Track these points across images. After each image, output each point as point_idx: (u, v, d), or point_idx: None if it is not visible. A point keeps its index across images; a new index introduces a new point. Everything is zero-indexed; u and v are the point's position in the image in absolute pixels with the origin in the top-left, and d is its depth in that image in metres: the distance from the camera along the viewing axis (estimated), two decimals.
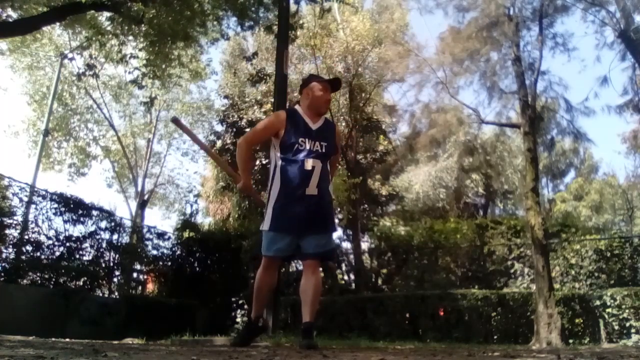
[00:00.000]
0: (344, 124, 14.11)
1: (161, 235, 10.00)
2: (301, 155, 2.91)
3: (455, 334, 8.55)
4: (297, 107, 3.21)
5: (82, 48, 9.54)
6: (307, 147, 2.93)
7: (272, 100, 8.85)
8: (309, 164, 2.89)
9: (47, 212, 7.74)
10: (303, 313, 2.89)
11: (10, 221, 7.16)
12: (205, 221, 16.52)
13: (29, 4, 8.27)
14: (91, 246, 8.40)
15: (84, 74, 9.87)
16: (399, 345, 4.87)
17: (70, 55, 13.73)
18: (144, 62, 9.26)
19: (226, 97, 14.85)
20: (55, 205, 7.89)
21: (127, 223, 10.48)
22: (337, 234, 16.72)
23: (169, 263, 10.02)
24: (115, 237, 8.93)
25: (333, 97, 13.77)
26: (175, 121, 3.69)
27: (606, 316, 8.21)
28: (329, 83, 3.21)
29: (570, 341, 7.88)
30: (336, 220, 3.01)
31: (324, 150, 2.98)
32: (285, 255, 3.07)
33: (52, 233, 7.77)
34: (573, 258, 9.86)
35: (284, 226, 2.91)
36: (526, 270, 10.30)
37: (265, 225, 2.96)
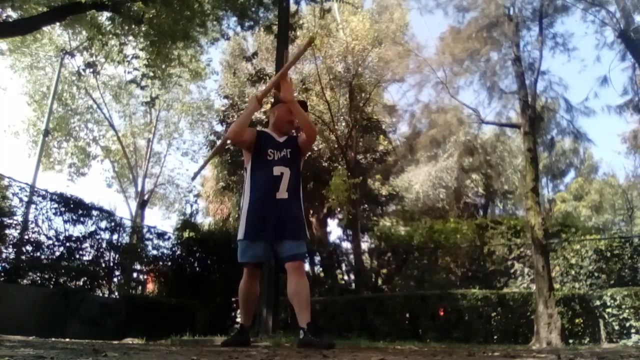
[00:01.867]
0: (344, 124, 14.10)
1: (161, 235, 9.99)
2: (270, 164, 3.14)
3: (455, 334, 8.55)
4: (265, 128, 3.44)
5: (86, 50, 9.52)
6: (275, 157, 3.17)
7: (272, 100, 8.83)
8: (277, 170, 3.11)
9: (47, 212, 7.72)
10: (301, 317, 2.92)
11: (10, 221, 7.15)
12: (205, 221, 16.54)
13: (29, 4, 8.26)
14: (91, 246, 8.39)
15: (84, 70, 9.86)
16: (399, 345, 4.86)
17: (70, 51, 13.72)
18: (145, 62, 9.26)
19: (226, 97, 14.82)
20: (55, 205, 7.88)
21: (127, 223, 10.46)
22: (337, 233, 16.74)
23: (169, 263, 10.01)
24: (115, 237, 8.91)
25: (333, 97, 13.95)
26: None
27: (606, 316, 8.22)
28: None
29: (570, 341, 7.88)
30: (306, 229, 3.08)
31: (289, 156, 3.19)
32: (262, 262, 3.17)
33: (52, 233, 7.75)
34: (573, 258, 9.85)
35: (257, 233, 3.05)
36: (526, 270, 10.30)
37: (240, 235, 3.10)
